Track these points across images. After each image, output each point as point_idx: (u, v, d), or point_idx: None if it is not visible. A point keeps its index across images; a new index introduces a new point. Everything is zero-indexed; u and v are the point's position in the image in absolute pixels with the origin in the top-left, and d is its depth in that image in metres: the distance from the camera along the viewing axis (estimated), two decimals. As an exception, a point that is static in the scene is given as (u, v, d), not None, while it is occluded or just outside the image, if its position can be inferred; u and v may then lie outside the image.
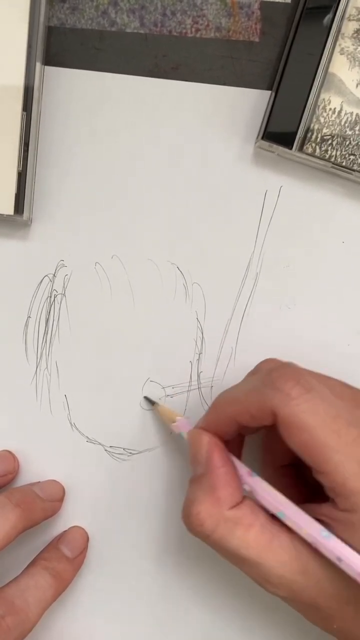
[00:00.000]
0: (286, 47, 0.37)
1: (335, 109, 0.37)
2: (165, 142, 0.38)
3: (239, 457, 0.35)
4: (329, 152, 0.37)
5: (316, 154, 0.37)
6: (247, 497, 0.32)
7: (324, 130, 0.37)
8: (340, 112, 0.37)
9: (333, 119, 0.37)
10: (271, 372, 0.31)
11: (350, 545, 0.29)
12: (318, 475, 0.30)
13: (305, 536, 0.30)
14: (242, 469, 0.33)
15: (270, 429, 0.34)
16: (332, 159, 0.37)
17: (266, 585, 0.31)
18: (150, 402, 0.38)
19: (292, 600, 0.31)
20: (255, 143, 0.38)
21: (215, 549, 0.32)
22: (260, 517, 0.31)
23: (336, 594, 0.30)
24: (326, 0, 0.36)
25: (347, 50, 0.36)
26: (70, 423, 0.39)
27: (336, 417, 0.30)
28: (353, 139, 0.37)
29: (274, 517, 0.31)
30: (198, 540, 0.38)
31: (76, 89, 0.38)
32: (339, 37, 0.36)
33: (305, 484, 0.35)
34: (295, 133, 0.36)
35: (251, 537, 0.31)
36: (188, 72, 0.38)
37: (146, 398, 0.39)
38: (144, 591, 0.39)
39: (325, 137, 0.37)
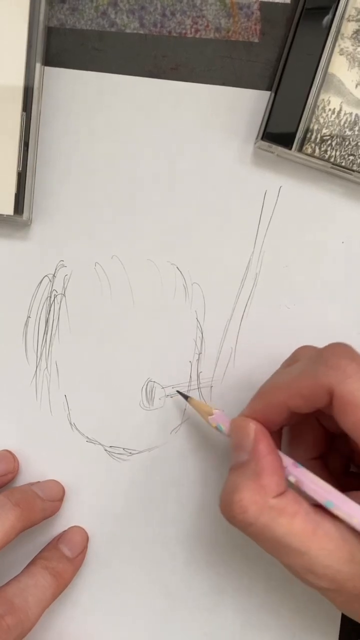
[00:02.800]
0: (285, 47, 0.37)
1: (334, 109, 0.37)
2: (165, 142, 0.38)
3: (278, 448, 0.35)
4: (329, 153, 0.37)
5: (315, 154, 0.37)
6: (289, 488, 0.31)
7: (324, 131, 0.37)
8: (339, 112, 0.37)
9: (332, 119, 0.37)
10: (322, 352, 0.31)
11: None
12: None
13: (356, 525, 0.29)
14: (287, 459, 0.32)
15: (298, 421, 0.34)
16: (332, 160, 0.37)
17: (309, 576, 0.30)
18: (184, 396, 0.38)
19: (334, 592, 0.30)
20: (255, 143, 0.38)
21: (256, 539, 0.31)
22: (304, 506, 0.30)
23: None
24: (325, 1, 0.36)
25: (347, 51, 0.36)
26: (70, 423, 0.39)
27: None
28: (352, 140, 0.37)
29: (316, 507, 0.31)
30: (198, 540, 0.38)
31: (76, 89, 0.38)
32: (339, 37, 0.36)
33: (331, 477, 0.35)
34: (295, 133, 0.37)
35: (296, 526, 0.30)
36: (187, 73, 0.38)
37: (179, 392, 0.38)
38: (144, 591, 0.39)
39: (324, 138, 0.37)
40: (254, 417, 0.33)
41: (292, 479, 0.32)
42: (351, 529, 0.30)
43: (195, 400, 0.37)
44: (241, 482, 0.31)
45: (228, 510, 0.31)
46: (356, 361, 0.30)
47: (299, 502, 0.30)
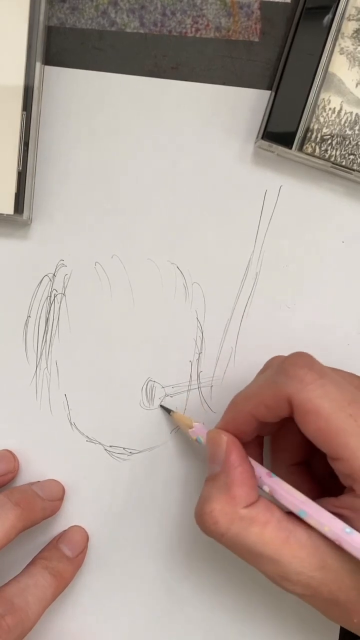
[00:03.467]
0: (286, 46, 0.37)
1: (334, 108, 0.37)
2: (165, 142, 0.38)
3: (259, 458, 0.35)
4: (329, 152, 0.37)
5: (316, 153, 0.37)
6: (261, 497, 0.32)
7: (324, 130, 0.37)
8: (340, 111, 0.37)
9: (333, 118, 0.37)
10: (283, 362, 0.31)
11: None
12: (334, 462, 0.30)
13: (328, 533, 0.30)
14: (261, 469, 0.33)
15: (280, 428, 0.34)
16: (332, 159, 0.37)
17: (284, 583, 0.31)
18: (167, 410, 0.38)
19: (310, 597, 0.31)
20: (255, 143, 0.38)
21: (230, 549, 0.32)
22: (276, 514, 0.31)
23: (357, 587, 0.30)
24: (326, 0, 0.36)
25: (347, 50, 0.36)
26: (70, 422, 0.39)
27: (352, 402, 0.29)
28: (353, 139, 0.37)
29: (289, 514, 0.31)
30: (198, 540, 0.38)
31: (76, 88, 0.38)
32: (339, 36, 0.36)
33: (315, 481, 0.35)
34: (295, 133, 0.37)
35: (268, 534, 0.30)
36: (188, 72, 0.38)
37: (162, 407, 0.39)
38: (144, 590, 0.39)
39: (325, 137, 0.37)
40: (227, 428, 0.34)
41: (266, 488, 0.32)
42: (323, 536, 0.30)
43: (177, 413, 0.38)
44: (212, 493, 0.32)
45: (201, 521, 0.32)
46: (314, 370, 0.30)
47: (270, 511, 0.31)
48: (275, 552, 0.30)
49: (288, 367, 0.31)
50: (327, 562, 0.30)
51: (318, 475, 0.35)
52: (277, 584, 0.31)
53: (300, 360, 0.31)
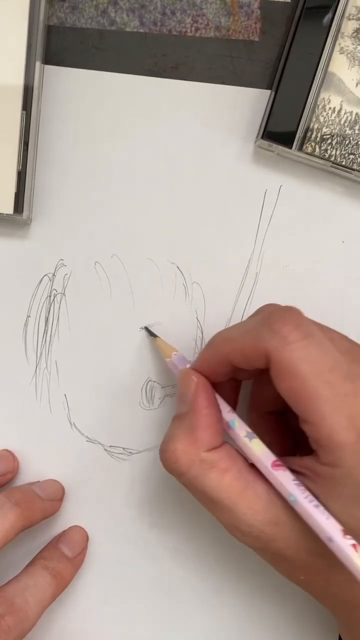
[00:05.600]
0: (286, 46, 0.37)
1: (334, 108, 0.37)
2: (165, 141, 0.38)
3: (234, 401, 0.35)
4: (329, 152, 0.37)
5: (316, 153, 0.37)
6: (227, 443, 0.32)
7: (324, 130, 0.37)
8: (339, 111, 0.37)
9: (333, 118, 0.37)
10: (272, 314, 0.30)
11: (327, 505, 0.29)
12: (304, 425, 0.29)
13: (280, 489, 0.30)
14: (227, 415, 0.32)
15: (260, 374, 0.33)
16: (332, 158, 0.37)
17: (235, 532, 0.31)
18: (151, 333, 0.38)
19: (259, 549, 0.31)
20: (255, 142, 0.38)
21: (189, 490, 0.32)
22: (238, 463, 0.31)
23: (306, 546, 0.30)
24: (326, 0, 0.36)
25: (347, 50, 0.36)
26: (70, 422, 0.39)
27: (332, 369, 0.29)
28: (352, 138, 0.37)
29: (251, 466, 0.31)
30: (198, 540, 0.38)
31: (76, 88, 0.38)
32: (339, 36, 0.36)
33: (289, 433, 0.34)
34: (295, 132, 0.36)
35: (226, 481, 0.30)
36: (188, 72, 0.38)
37: (146, 328, 0.38)
38: (144, 591, 0.39)
39: (324, 137, 0.37)
40: (201, 367, 0.33)
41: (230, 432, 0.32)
42: (279, 494, 0.30)
43: (160, 340, 0.37)
44: (177, 432, 0.32)
45: (163, 458, 0.32)
46: (300, 329, 0.29)
47: (233, 459, 0.31)
48: (230, 501, 0.30)
49: (274, 321, 0.30)
50: (280, 519, 0.30)
51: (292, 427, 0.35)
52: (229, 532, 0.31)
53: (288, 316, 0.30)
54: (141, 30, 0.38)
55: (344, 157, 0.37)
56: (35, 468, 0.39)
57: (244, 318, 0.39)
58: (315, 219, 0.39)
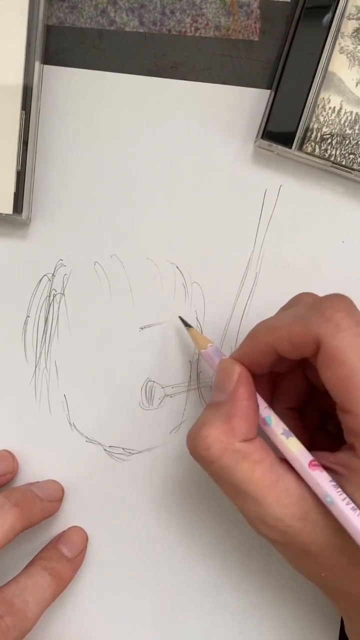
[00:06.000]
0: (286, 46, 0.37)
1: (334, 107, 0.37)
2: (165, 141, 0.38)
3: (267, 396, 0.35)
4: (329, 151, 0.37)
5: (316, 153, 0.37)
6: (259, 437, 0.32)
7: (324, 129, 0.37)
8: (339, 111, 0.37)
9: (333, 118, 0.37)
10: (322, 300, 0.30)
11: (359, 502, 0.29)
12: (344, 414, 0.29)
13: (319, 492, 0.29)
14: (263, 411, 0.32)
15: (295, 367, 0.34)
16: (332, 158, 0.37)
17: (260, 526, 0.30)
18: (185, 323, 0.37)
19: (282, 544, 0.31)
20: (255, 142, 0.38)
21: (215, 479, 0.31)
22: (271, 456, 0.31)
23: (333, 543, 0.30)
24: (325, 0, 0.36)
25: (347, 49, 0.36)
26: (70, 423, 0.39)
27: None
28: (353, 138, 0.37)
29: (283, 460, 0.31)
30: (198, 540, 0.38)
31: (75, 87, 0.38)
32: (339, 36, 0.36)
33: (306, 432, 0.34)
34: (295, 132, 0.36)
35: (258, 473, 0.30)
36: (187, 71, 0.38)
37: (181, 318, 0.38)
38: (144, 591, 0.39)
39: (324, 136, 0.37)
40: (242, 359, 0.33)
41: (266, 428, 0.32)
42: (311, 490, 0.30)
43: (194, 330, 0.37)
44: (212, 419, 0.31)
45: (193, 444, 0.31)
46: (352, 316, 0.29)
47: (266, 452, 0.31)
48: (259, 493, 0.30)
49: (326, 307, 0.29)
50: (309, 515, 0.29)
51: (308, 424, 0.35)
52: (253, 526, 0.31)
53: (340, 304, 0.29)
54: (141, 30, 0.38)
55: (344, 157, 0.37)
56: (35, 468, 0.39)
57: (244, 318, 0.39)
58: (315, 218, 0.39)
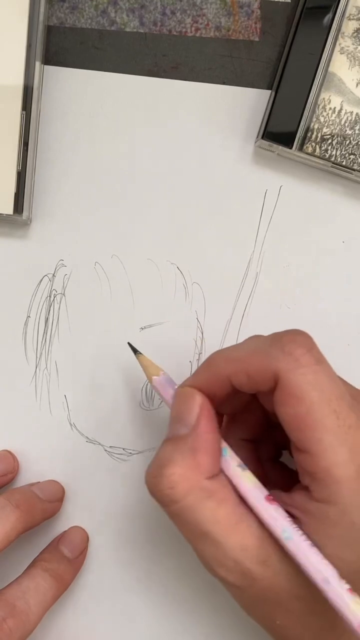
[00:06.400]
0: (286, 46, 0.37)
1: (335, 108, 0.37)
2: (165, 141, 0.38)
3: (222, 430, 0.33)
4: (329, 152, 0.37)
5: (316, 153, 0.37)
6: (222, 473, 0.30)
7: (324, 130, 0.37)
8: (340, 111, 0.37)
9: (333, 118, 0.37)
10: (282, 335, 0.29)
11: (318, 544, 0.27)
12: (300, 454, 0.28)
13: (274, 530, 0.28)
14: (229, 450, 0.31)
15: (250, 402, 0.32)
16: (332, 159, 0.37)
17: (218, 568, 0.29)
18: (134, 350, 0.36)
19: (239, 588, 0.29)
20: (255, 142, 0.38)
21: (175, 519, 0.29)
22: (234, 495, 0.29)
23: (291, 589, 0.28)
24: (326, 0, 0.36)
25: (347, 50, 0.36)
26: (70, 423, 0.39)
27: (339, 398, 0.28)
28: (353, 139, 0.37)
29: (242, 499, 0.29)
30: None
31: (76, 88, 0.38)
32: (339, 36, 0.36)
33: (259, 465, 0.33)
34: (295, 132, 0.36)
35: (222, 513, 0.28)
36: (188, 72, 0.38)
37: (129, 344, 0.36)
38: (144, 591, 0.39)
39: (325, 137, 0.37)
40: (198, 387, 0.31)
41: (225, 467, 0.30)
42: (272, 533, 0.28)
43: (143, 357, 0.35)
44: (175, 455, 0.29)
45: (155, 483, 0.29)
46: (312, 353, 0.28)
47: (229, 490, 0.29)
48: (221, 534, 0.28)
49: (286, 342, 0.28)
50: (270, 559, 0.28)
51: (262, 457, 0.34)
52: (207, 568, 0.29)
53: (300, 339, 0.29)
54: (141, 31, 0.38)
55: (345, 158, 0.37)
56: (35, 469, 0.39)
57: (245, 318, 0.39)
58: (315, 219, 0.39)
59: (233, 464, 0.30)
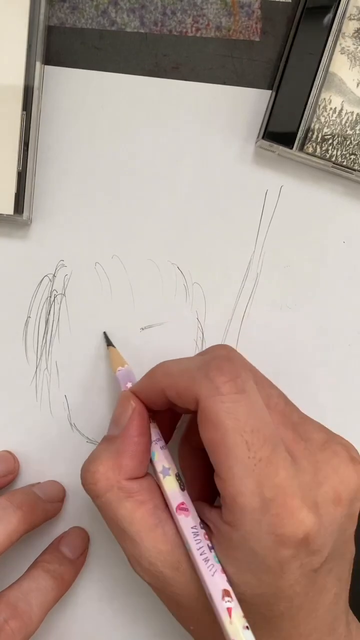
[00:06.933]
0: (287, 46, 0.37)
1: (335, 108, 0.37)
2: (165, 142, 0.38)
3: (169, 430, 0.35)
4: (330, 152, 0.37)
5: (317, 153, 0.37)
6: (150, 475, 0.32)
7: (325, 130, 0.37)
8: (340, 111, 0.37)
9: (334, 118, 0.37)
10: (211, 360, 0.30)
11: (223, 564, 0.28)
12: (215, 478, 0.29)
13: (186, 540, 0.29)
14: (151, 446, 0.32)
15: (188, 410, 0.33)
16: (333, 159, 0.37)
17: (135, 566, 0.31)
18: (108, 342, 0.37)
19: (155, 589, 0.31)
20: (256, 143, 0.38)
21: (101, 513, 0.32)
22: (155, 499, 0.31)
23: (199, 598, 0.29)
24: (326, 0, 0.36)
25: (348, 50, 0.36)
26: (71, 423, 0.39)
27: (255, 430, 0.28)
28: (354, 139, 0.37)
29: (167, 506, 0.31)
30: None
31: (76, 88, 0.38)
32: (340, 36, 0.36)
33: (210, 473, 0.34)
34: (296, 133, 0.36)
35: (138, 514, 0.30)
36: (188, 72, 0.38)
37: (105, 335, 0.37)
38: (145, 592, 0.39)
39: (325, 137, 0.37)
40: (139, 394, 0.33)
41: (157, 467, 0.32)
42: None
43: (114, 350, 0.37)
44: (102, 454, 0.31)
45: (82, 477, 0.32)
46: (236, 382, 0.29)
47: (151, 493, 0.31)
48: (137, 534, 0.30)
49: (212, 368, 0.29)
50: (181, 565, 0.29)
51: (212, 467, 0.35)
52: (130, 564, 0.31)
53: (227, 367, 0.29)
54: (142, 31, 0.38)
55: (345, 158, 0.37)
56: (36, 469, 0.39)
57: (245, 319, 0.39)
58: (316, 219, 0.39)
59: (158, 469, 0.31)
